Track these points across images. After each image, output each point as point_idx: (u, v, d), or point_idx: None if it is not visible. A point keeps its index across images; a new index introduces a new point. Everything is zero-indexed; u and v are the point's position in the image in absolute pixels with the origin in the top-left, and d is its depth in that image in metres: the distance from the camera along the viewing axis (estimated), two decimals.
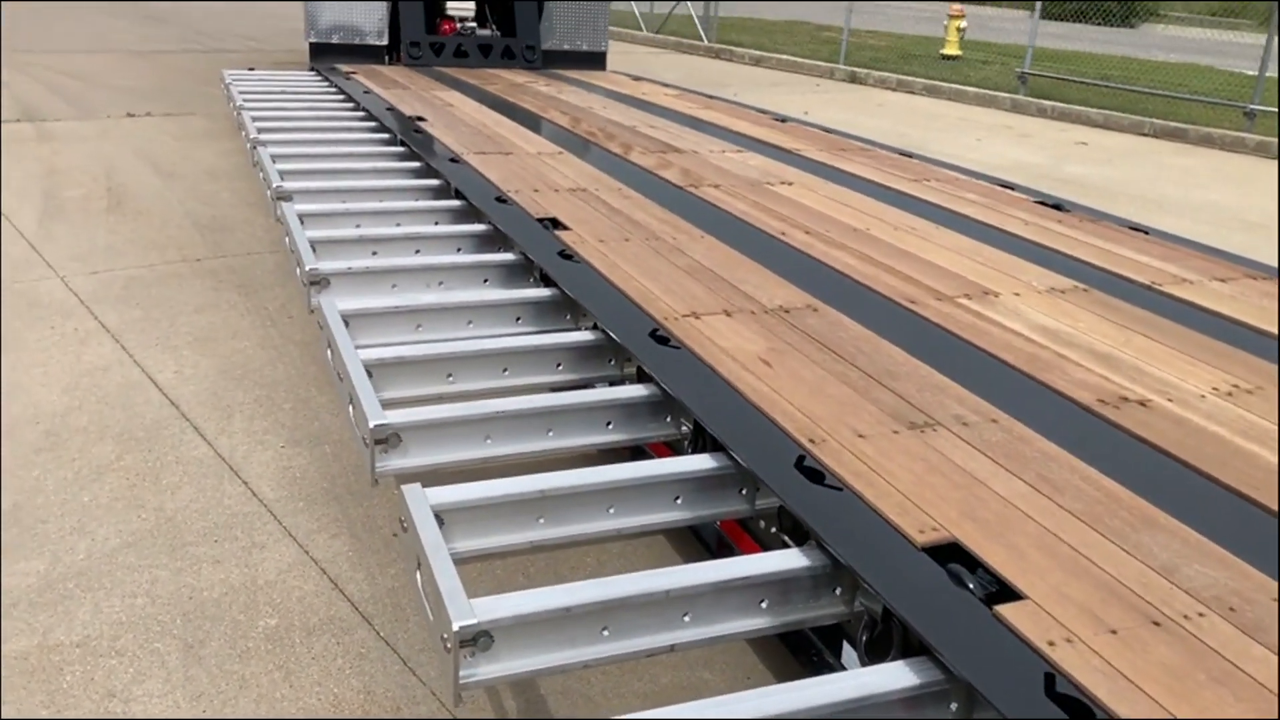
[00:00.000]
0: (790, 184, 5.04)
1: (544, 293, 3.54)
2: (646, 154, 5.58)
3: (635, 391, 2.82)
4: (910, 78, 13.70)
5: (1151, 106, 12.20)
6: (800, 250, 3.93)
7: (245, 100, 6.72)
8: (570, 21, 9.91)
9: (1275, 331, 3.37)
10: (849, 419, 2.53)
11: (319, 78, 8.28)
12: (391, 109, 6.53)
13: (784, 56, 15.35)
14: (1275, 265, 4.22)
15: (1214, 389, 2.85)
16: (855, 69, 14.29)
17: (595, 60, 10.01)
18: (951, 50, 16.73)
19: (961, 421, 2.57)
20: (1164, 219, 6.94)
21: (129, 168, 6.91)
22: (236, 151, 7.27)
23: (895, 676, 1.80)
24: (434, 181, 4.97)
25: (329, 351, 3.10)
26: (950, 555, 2.00)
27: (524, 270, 3.88)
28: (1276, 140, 10.48)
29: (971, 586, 1.91)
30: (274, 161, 5.09)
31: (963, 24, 16.77)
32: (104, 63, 10.85)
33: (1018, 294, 3.57)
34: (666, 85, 8.83)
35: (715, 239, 4.01)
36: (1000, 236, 4.32)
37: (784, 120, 7.10)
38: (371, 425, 2.51)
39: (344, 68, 8.49)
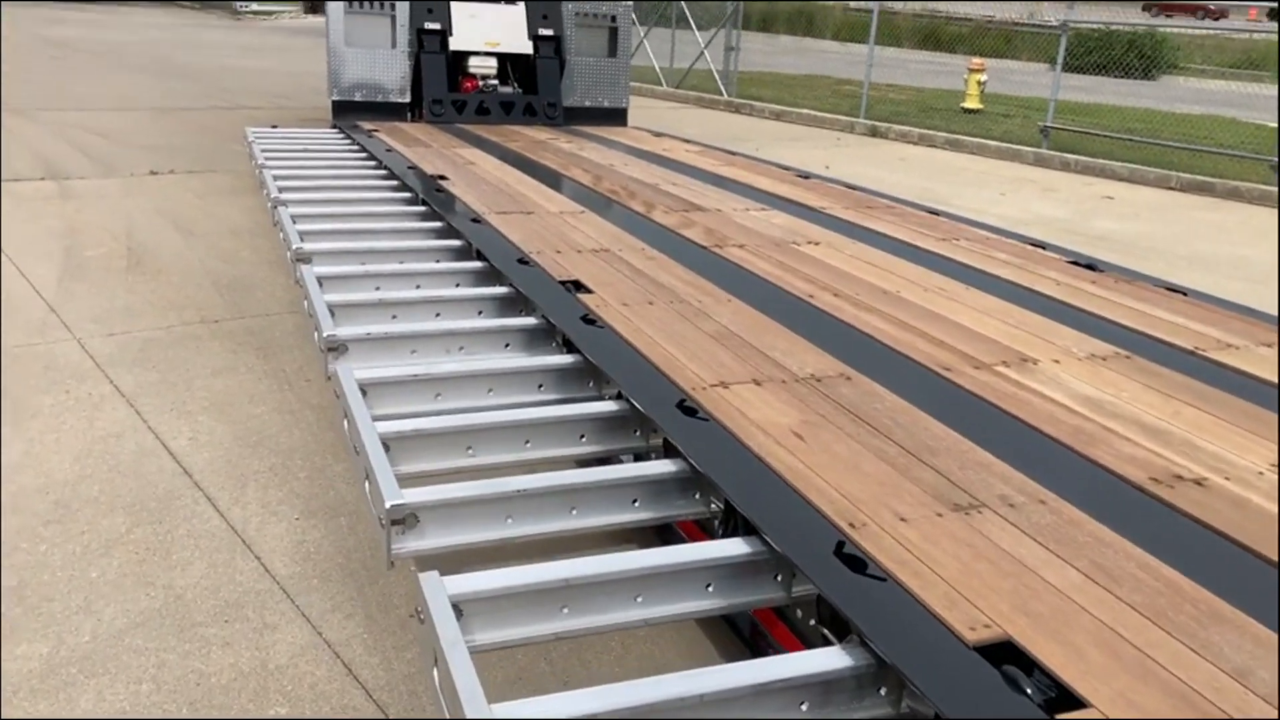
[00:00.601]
0: (816, 243, 4.95)
1: (566, 359, 3.44)
2: (669, 213, 5.51)
3: (662, 467, 2.71)
4: (932, 131, 13.67)
5: (1177, 160, 12.11)
6: (830, 314, 3.83)
7: (267, 158, 6.71)
8: (591, 78, 9.93)
9: None
10: (890, 500, 2.41)
11: (341, 135, 8.29)
12: (413, 167, 6.50)
13: (804, 110, 15.37)
14: None
15: (1271, 465, 2.71)
16: (876, 123, 14.27)
17: (617, 117, 10.02)
18: (972, 104, 16.73)
19: (1008, 502, 2.44)
20: (1197, 276, 6.81)
21: (150, 225, 6.90)
22: (258, 209, 7.25)
23: None
24: (455, 242, 4.90)
25: (345, 422, 3.00)
26: (1004, 655, 1.86)
27: (546, 335, 3.79)
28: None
29: (1030, 692, 1.77)
30: (294, 222, 5.04)
31: (983, 77, 16.78)
32: (129, 120, 10.94)
33: (1057, 361, 3.44)
34: (688, 141, 8.80)
35: (742, 302, 3.91)
36: (1034, 298, 4.20)
37: (807, 177, 7.03)
38: (388, 505, 2.41)
39: (366, 125, 8.50)
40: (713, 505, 2.69)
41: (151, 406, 4.19)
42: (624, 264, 4.38)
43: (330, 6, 9.03)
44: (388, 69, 9.28)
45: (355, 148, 7.66)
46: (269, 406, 4.27)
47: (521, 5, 9.61)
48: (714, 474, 2.55)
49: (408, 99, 9.37)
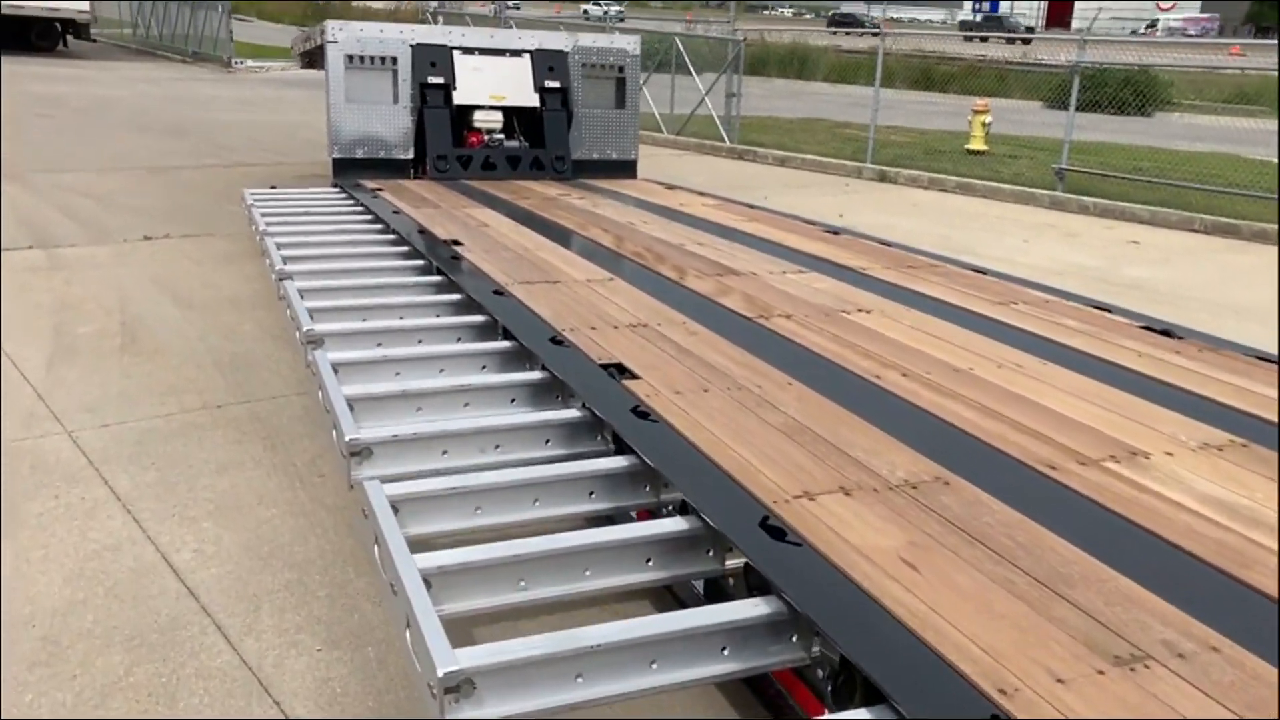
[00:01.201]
0: (868, 311, 4.59)
1: (620, 463, 3.06)
2: (703, 278, 5.15)
3: (755, 609, 2.32)
4: (941, 175, 13.39)
5: (1194, 201, 11.84)
6: (904, 399, 3.46)
7: (269, 224, 6.36)
8: (599, 131, 9.63)
9: None
10: (1036, 652, 2.02)
11: (343, 195, 7.96)
12: (424, 231, 6.16)
13: (809, 156, 15.11)
14: None
15: None
16: (884, 167, 14.01)
17: (626, 169, 9.70)
18: (977, 145, 16.50)
19: (1175, 651, 2.06)
20: (1248, 328, 6.47)
21: (145, 298, 6.52)
22: (259, 276, 6.89)
23: None
24: (477, 318, 4.54)
25: (376, 548, 2.62)
26: None
27: (590, 429, 3.42)
28: None
29: None
30: (302, 297, 4.69)
31: (988, 119, 16.57)
32: (121, 182, 10.60)
33: (1170, 453, 3.07)
34: (703, 194, 8.48)
35: (804, 385, 3.54)
36: (1119, 374, 3.84)
37: (837, 232, 6.70)
38: (441, 673, 2.02)
39: (369, 184, 8.17)
40: (816, 650, 2.31)
41: (151, 512, 3.79)
42: (666, 341, 4.02)
43: (330, 62, 8.73)
44: (390, 125, 8.97)
45: (359, 209, 7.32)
46: (280, 509, 3.87)
47: (527, 57, 9.33)
48: (820, 618, 2.17)
49: (411, 155, 9.05)
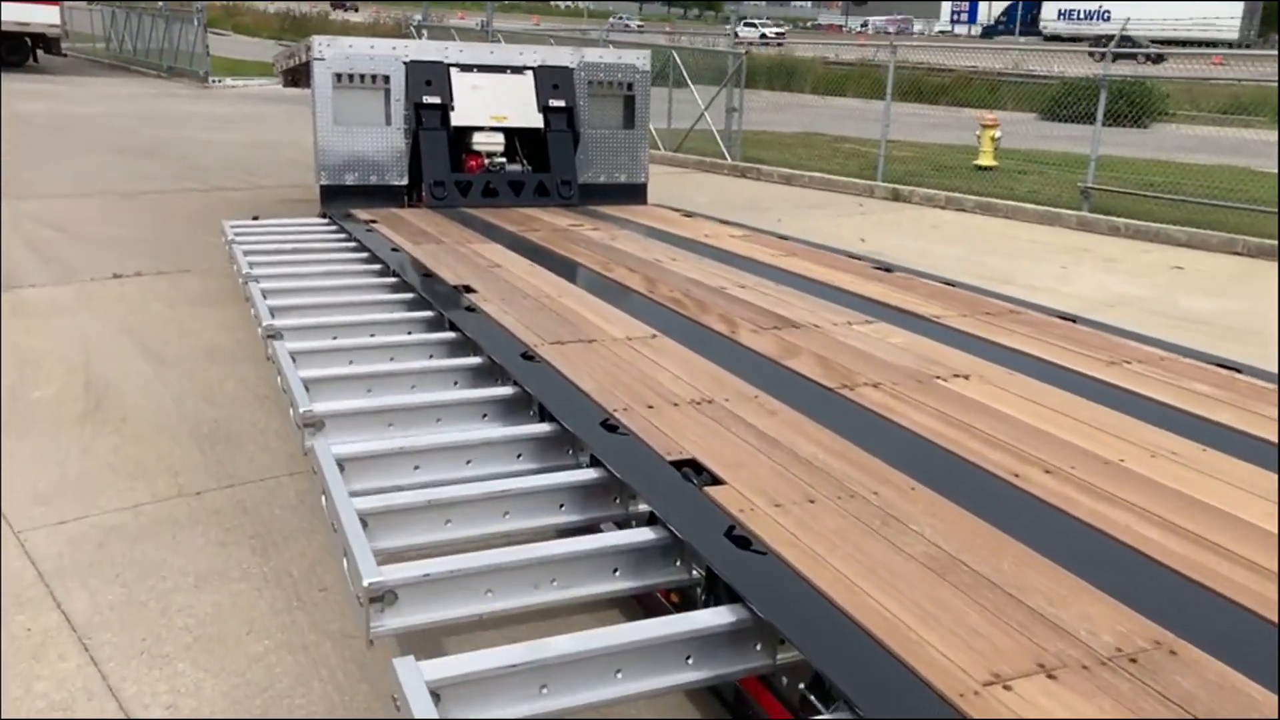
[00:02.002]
0: (964, 376, 3.91)
1: (723, 619, 2.35)
2: (759, 332, 4.46)
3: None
4: (958, 194, 12.76)
5: (1227, 220, 11.26)
6: (1063, 511, 2.77)
7: (252, 265, 5.64)
8: (607, 152, 8.94)
9: None
10: None
11: (333, 227, 7.23)
12: (429, 274, 5.45)
13: (815, 174, 14.48)
14: None
15: None
16: (896, 186, 13.39)
17: (635, 193, 9.02)
18: (986, 160, 15.93)
19: None
20: None
21: (113, 350, 5.78)
22: (240, 322, 6.16)
23: None
24: (504, 390, 3.82)
25: None
26: None
27: (666, 554, 2.72)
28: None
29: None
30: (295, 362, 3.97)
31: (997, 133, 16.01)
32: (90, 209, 9.83)
33: None
34: (725, 222, 7.80)
35: (930, 490, 2.85)
36: None
37: (889, 269, 6.02)
38: None
39: (362, 214, 7.45)
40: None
41: (114, 648, 3.06)
42: (740, 423, 3.32)
43: (316, 80, 8.01)
44: (382, 149, 8.25)
45: (352, 245, 6.60)
46: (274, 639, 3.14)
47: (529, 74, 8.64)
48: None
49: (405, 181, 8.34)
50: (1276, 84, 20.66)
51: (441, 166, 8.27)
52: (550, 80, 8.68)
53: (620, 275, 5.64)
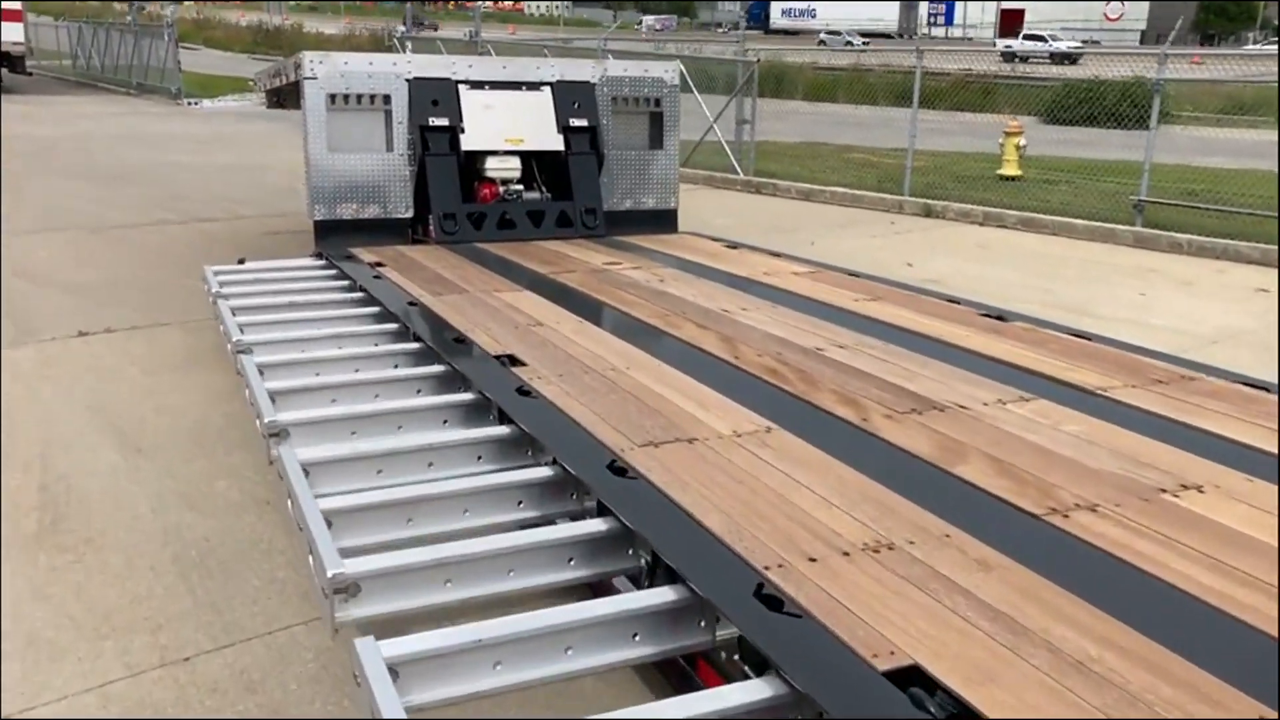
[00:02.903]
0: (1198, 489, 2.98)
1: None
2: (897, 420, 3.53)
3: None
4: (999, 209, 11.85)
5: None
6: None
7: (245, 326, 4.69)
8: (633, 176, 8.01)
9: None
10: None
11: (333, 273, 6.27)
12: (461, 339, 4.49)
13: (836, 189, 13.58)
14: None
15: None
16: (927, 200, 12.51)
17: (665, 220, 8.09)
18: (1010, 170, 15.08)
19: None
20: None
21: (76, 436, 4.79)
22: (229, 391, 5.19)
23: None
24: (596, 526, 2.87)
25: None
26: None
27: None
28: None
29: None
30: (308, 477, 3.03)
31: (1022, 141, 15.17)
32: (55, 248, 8.80)
33: None
34: (776, 254, 6.89)
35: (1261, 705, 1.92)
36: None
37: (1002, 318, 5.10)
38: None
39: (365, 255, 6.49)
40: None
41: None
42: (948, 586, 2.39)
43: (308, 102, 7.05)
44: (383, 178, 7.29)
45: (359, 296, 5.63)
46: None
47: (547, 91, 7.70)
48: None
49: (410, 214, 7.38)
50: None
51: (451, 196, 7.32)
52: (570, 97, 7.74)
53: (691, 334, 4.70)
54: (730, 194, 14.07)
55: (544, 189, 7.74)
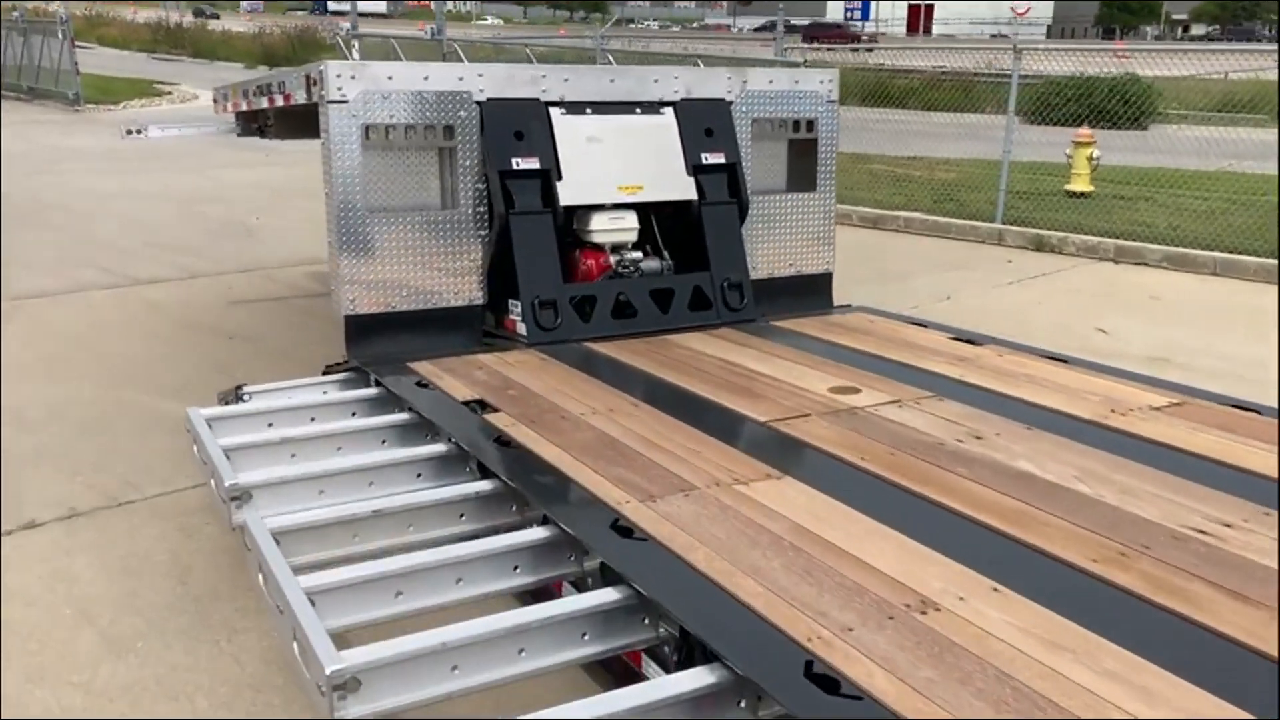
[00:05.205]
0: None
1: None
2: None
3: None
4: (1137, 243, 9.70)
5: None
6: None
7: (300, 574, 2.36)
8: (781, 229, 5.74)
9: None
10: None
11: (389, 410, 3.99)
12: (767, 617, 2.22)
13: (911, 215, 11.46)
14: None
15: None
16: (1037, 231, 10.43)
17: (816, 290, 5.85)
18: (1080, 185, 13.16)
19: None
20: None
21: None
22: (265, 651, 2.75)
23: None
24: None
25: None
26: None
27: None
28: None
29: None
30: None
31: (1096, 152, 13.25)
32: None
33: None
34: (1060, 360, 4.67)
35: None
36: None
37: None
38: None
39: (437, 376, 4.18)
40: None
41: None
42: None
43: (334, 135, 4.63)
44: (443, 248, 4.90)
45: (461, 467, 3.35)
46: None
47: (669, 114, 5.36)
48: None
49: (482, 299, 4.99)
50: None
51: (549, 274, 4.96)
52: (700, 122, 5.42)
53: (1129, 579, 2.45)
54: None
55: (665, 254, 5.42)
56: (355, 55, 15.84)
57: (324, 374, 4.71)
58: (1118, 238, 9.96)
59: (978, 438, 3.57)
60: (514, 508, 3.24)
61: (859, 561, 2.64)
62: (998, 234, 10.48)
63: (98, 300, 7.21)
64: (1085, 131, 13.36)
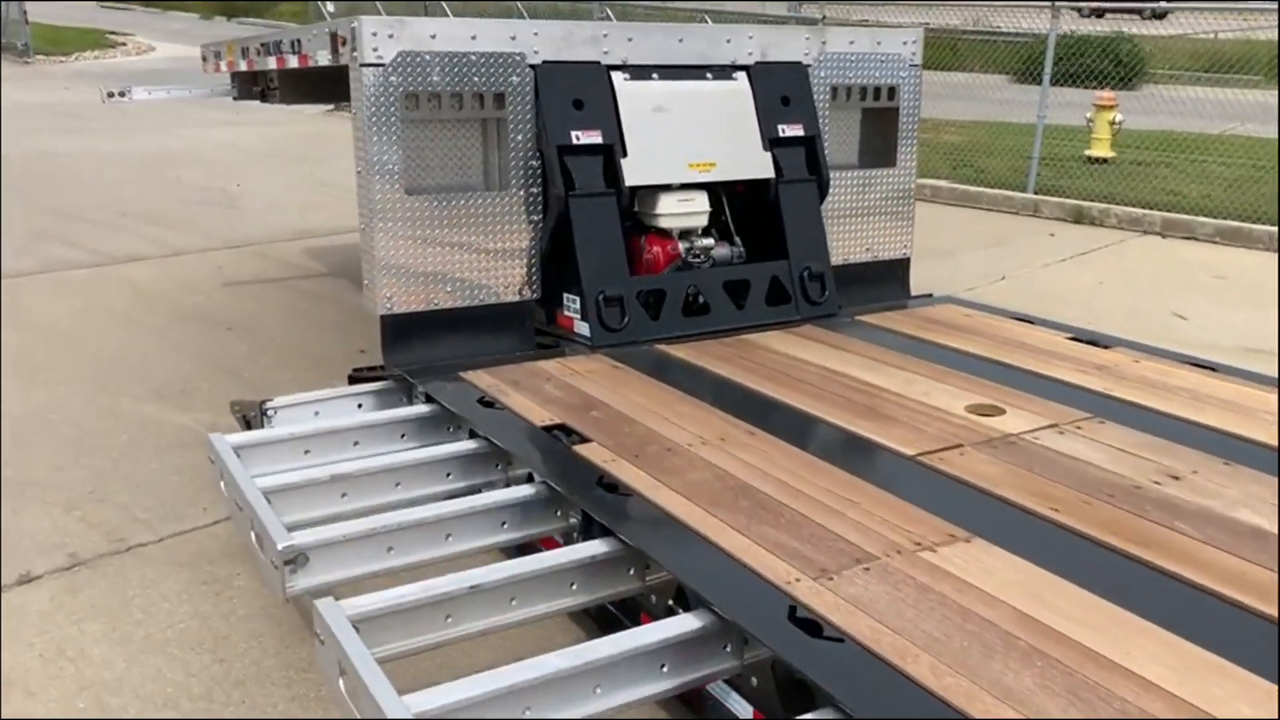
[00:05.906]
0: None
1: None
2: None
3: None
4: (1186, 215, 9.13)
5: None
6: None
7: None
8: (859, 211, 5.11)
9: None
10: None
11: (444, 432, 3.43)
12: None
13: (939, 183, 10.84)
14: None
15: None
16: (1077, 203, 9.85)
17: (893, 277, 5.25)
18: (1100, 150, 12.61)
19: None
20: None
21: None
22: None
23: None
24: None
25: None
26: None
27: None
28: None
29: None
30: None
31: (1117, 116, 12.70)
32: None
33: None
34: (1212, 370, 4.10)
35: None
36: None
37: None
38: None
39: (501, 391, 3.56)
40: None
41: None
42: None
43: (367, 104, 3.93)
44: (490, 236, 4.22)
45: (555, 518, 2.78)
46: None
47: (743, 80, 4.69)
48: None
49: (536, 294, 4.33)
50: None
51: (615, 265, 4.31)
52: (776, 89, 4.75)
53: None
54: None
55: (737, 240, 4.77)
56: (329, 9, 14.80)
57: (351, 381, 4.07)
58: (1159, 209, 9.43)
59: (1175, 477, 2.99)
60: (631, 570, 2.63)
61: (1130, 674, 2.06)
62: (1033, 205, 9.91)
63: (71, 282, 6.43)
64: (1108, 94, 12.80)
